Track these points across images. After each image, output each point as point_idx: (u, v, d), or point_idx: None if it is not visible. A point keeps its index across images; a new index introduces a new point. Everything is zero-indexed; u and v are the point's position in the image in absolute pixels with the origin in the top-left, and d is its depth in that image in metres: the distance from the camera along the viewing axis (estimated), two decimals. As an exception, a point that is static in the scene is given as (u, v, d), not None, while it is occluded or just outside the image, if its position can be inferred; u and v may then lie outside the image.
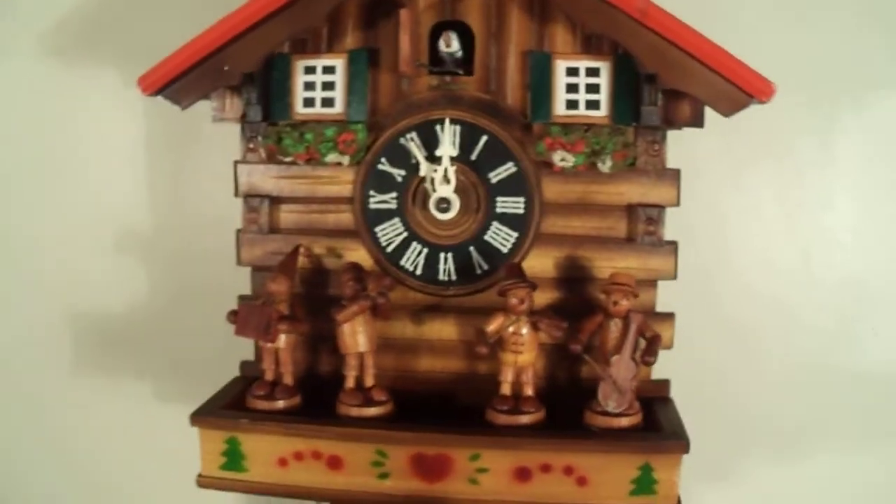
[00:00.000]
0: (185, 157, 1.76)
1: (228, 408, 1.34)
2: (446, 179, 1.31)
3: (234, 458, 1.30)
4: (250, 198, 1.39)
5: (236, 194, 1.40)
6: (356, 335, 1.31)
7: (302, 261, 1.38)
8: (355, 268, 1.33)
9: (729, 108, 1.24)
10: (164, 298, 1.79)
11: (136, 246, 1.79)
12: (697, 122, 1.30)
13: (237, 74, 1.30)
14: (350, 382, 1.32)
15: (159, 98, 1.67)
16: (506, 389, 1.29)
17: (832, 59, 1.57)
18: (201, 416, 1.31)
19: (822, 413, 1.67)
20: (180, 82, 1.31)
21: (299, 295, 1.36)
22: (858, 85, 1.59)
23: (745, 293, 1.63)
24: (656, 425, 1.27)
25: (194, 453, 1.79)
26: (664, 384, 1.37)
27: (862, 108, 1.60)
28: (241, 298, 1.41)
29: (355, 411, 1.30)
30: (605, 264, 1.34)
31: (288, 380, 1.34)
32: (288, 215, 1.41)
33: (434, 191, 1.32)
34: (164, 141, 1.76)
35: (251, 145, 1.38)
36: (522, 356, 1.28)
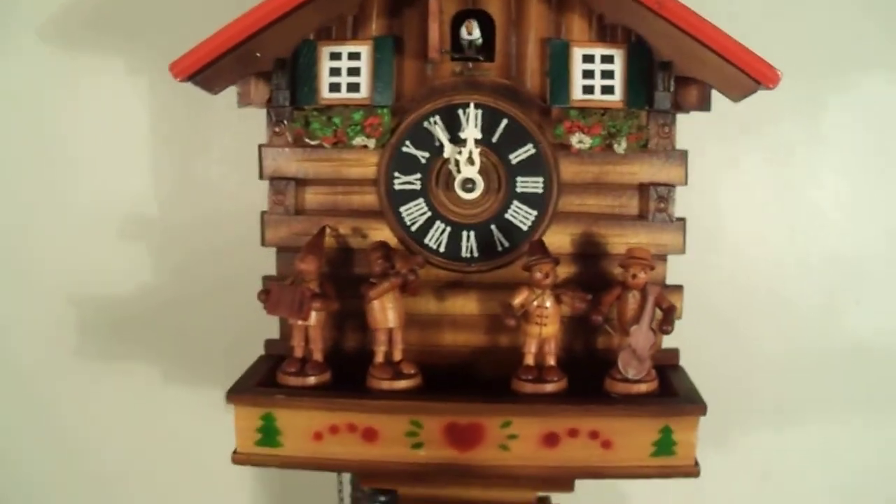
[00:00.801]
0: (194, 144, 1.78)
1: (260, 385, 1.37)
2: (471, 161, 1.37)
3: (269, 433, 1.33)
4: (276, 180, 1.43)
5: (261, 177, 1.43)
6: (386, 311, 1.36)
7: (328, 241, 1.42)
8: (384, 246, 1.37)
9: (738, 94, 1.34)
10: (172, 285, 1.82)
11: (144, 234, 1.81)
12: (704, 106, 1.39)
13: (270, 60, 1.34)
14: (379, 357, 1.37)
15: (168, 85, 1.70)
16: (529, 360, 1.36)
17: (819, 40, 1.68)
18: (237, 394, 1.34)
19: (811, 381, 1.79)
20: (212, 68, 1.33)
21: (326, 274, 1.40)
22: (845, 65, 1.70)
23: (736, 269, 1.73)
24: (672, 391, 1.36)
25: (200, 439, 1.85)
26: (674, 353, 1.46)
27: (848, 88, 1.70)
28: (266, 279, 1.45)
29: (386, 384, 1.35)
30: (619, 240, 1.42)
31: (318, 356, 1.38)
32: (313, 197, 1.45)
33: (459, 172, 1.37)
34: (171, 128, 1.78)
35: (277, 129, 1.42)
36: (546, 328, 1.34)
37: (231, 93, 1.42)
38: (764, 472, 1.84)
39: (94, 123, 1.78)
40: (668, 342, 1.44)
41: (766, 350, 1.79)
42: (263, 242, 1.45)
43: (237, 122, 1.69)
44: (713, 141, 1.64)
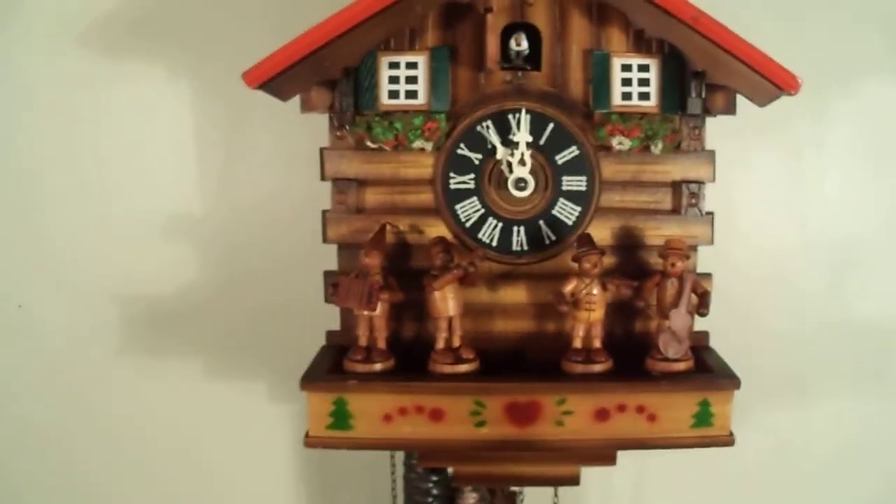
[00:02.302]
0: (234, 145, 1.86)
1: (329, 373, 1.47)
2: (522, 162, 1.49)
3: (340, 417, 1.43)
4: (339, 181, 1.53)
5: (323, 178, 1.53)
6: (447, 301, 1.46)
7: (387, 237, 1.52)
8: (443, 241, 1.48)
9: (763, 100, 1.48)
10: (213, 283, 1.89)
11: (185, 234, 1.87)
12: (730, 110, 1.52)
13: (338, 69, 1.43)
14: (441, 343, 1.48)
15: (207, 87, 1.78)
16: (578, 343, 1.48)
17: (825, 49, 1.82)
18: (310, 381, 1.43)
19: (819, 361, 1.94)
20: (283, 76, 1.42)
21: (387, 268, 1.49)
22: (849, 72, 1.85)
23: (748, 257, 1.87)
24: (707, 368, 1.49)
25: (243, 431, 1.92)
26: (704, 335, 1.60)
27: (851, 94, 1.85)
28: (327, 274, 1.55)
29: (448, 368, 1.45)
30: (654, 233, 1.55)
31: (382, 344, 1.48)
32: (373, 196, 1.55)
33: (511, 172, 1.49)
34: (212, 129, 1.85)
35: (339, 133, 1.51)
36: (594, 313, 1.47)
37: (266, 96, 1.49)
38: (777, 445, 1.97)
39: (135, 125, 1.84)
40: (696, 326, 1.56)
41: (776, 331, 1.92)
42: (325, 239, 1.54)
43: (277, 125, 1.81)
44: (730, 142, 1.68)
